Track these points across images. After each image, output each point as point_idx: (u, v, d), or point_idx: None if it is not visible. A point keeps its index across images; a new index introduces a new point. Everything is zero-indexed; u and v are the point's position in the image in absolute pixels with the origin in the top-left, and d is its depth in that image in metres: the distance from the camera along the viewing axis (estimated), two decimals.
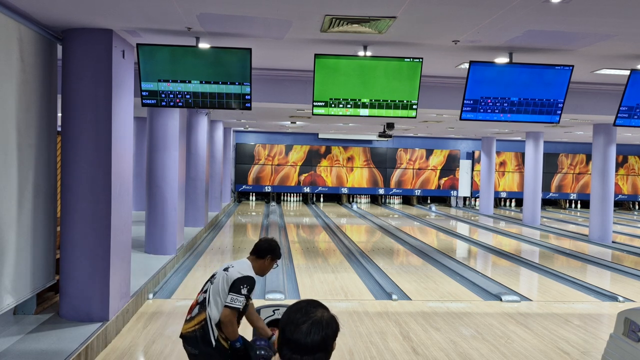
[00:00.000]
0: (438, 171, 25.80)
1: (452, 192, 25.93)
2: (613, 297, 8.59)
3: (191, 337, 3.69)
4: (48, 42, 5.83)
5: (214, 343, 3.63)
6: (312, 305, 1.88)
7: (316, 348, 1.78)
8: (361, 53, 6.84)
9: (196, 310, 3.76)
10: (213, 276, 3.83)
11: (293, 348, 1.78)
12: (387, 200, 26.08)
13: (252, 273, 3.73)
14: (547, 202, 26.55)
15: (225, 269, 3.75)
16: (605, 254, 12.85)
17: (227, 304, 3.60)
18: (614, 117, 7.70)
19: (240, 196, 25.42)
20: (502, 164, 26.03)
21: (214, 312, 3.69)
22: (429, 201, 26.72)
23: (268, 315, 3.99)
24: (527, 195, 18.99)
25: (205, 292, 3.78)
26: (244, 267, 3.75)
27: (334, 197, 25.81)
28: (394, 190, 25.58)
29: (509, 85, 7.09)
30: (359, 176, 25.32)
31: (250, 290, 3.65)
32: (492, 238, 15.61)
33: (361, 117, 7.27)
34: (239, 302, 3.59)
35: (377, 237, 14.98)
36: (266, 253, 3.83)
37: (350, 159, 25.20)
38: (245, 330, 6.24)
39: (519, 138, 23.44)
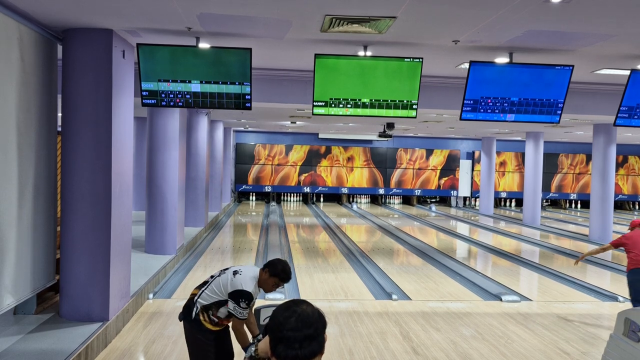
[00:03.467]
0: (438, 171, 25.79)
1: (452, 192, 25.92)
2: (613, 297, 8.59)
3: (185, 304, 4.13)
4: (48, 42, 5.83)
5: (193, 316, 4.01)
6: (295, 303, 1.92)
7: (309, 339, 1.79)
8: (361, 53, 6.84)
9: (199, 284, 4.18)
10: (225, 270, 4.10)
11: (287, 344, 1.80)
12: (387, 200, 26.07)
13: (251, 287, 3.91)
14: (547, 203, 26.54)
15: (235, 272, 4.00)
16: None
17: (232, 313, 3.91)
18: (614, 117, 7.70)
19: (240, 196, 25.41)
20: (502, 164, 26.02)
21: (205, 297, 4.02)
22: (429, 201, 26.70)
23: (268, 316, 3.98)
24: (527, 195, 18.99)
25: (213, 277, 4.11)
26: (247, 279, 3.94)
27: (334, 197, 25.80)
28: (394, 190, 25.58)
29: (509, 85, 7.09)
30: (359, 176, 25.31)
31: (248, 304, 3.89)
32: (492, 238, 15.61)
33: (361, 117, 7.27)
34: (242, 314, 3.89)
35: (377, 237, 14.98)
36: (275, 274, 3.93)
37: (350, 159, 25.19)
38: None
39: (519, 138, 23.44)
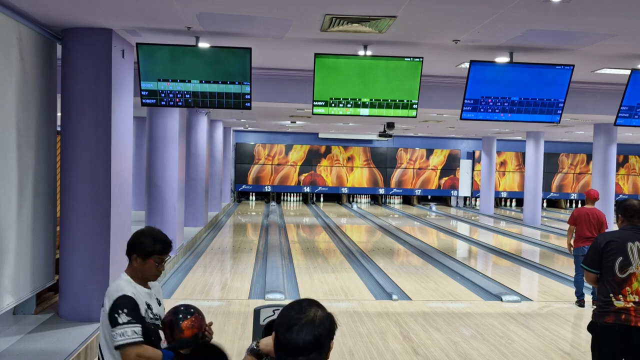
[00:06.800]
0: (438, 171, 25.78)
1: (452, 192, 25.91)
2: None
3: None
4: (48, 41, 5.82)
5: None
6: (306, 305, 1.84)
7: (309, 348, 1.74)
8: (361, 52, 6.82)
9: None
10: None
11: (286, 349, 1.75)
12: (388, 200, 26.06)
13: (124, 289, 2.81)
14: (548, 203, 26.52)
15: (103, 304, 2.90)
16: None
17: (116, 344, 2.72)
18: (615, 116, 7.69)
19: (240, 196, 25.40)
20: (503, 163, 26.01)
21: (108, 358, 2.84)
22: (429, 197, 26.61)
23: (268, 316, 3.97)
24: (528, 195, 18.97)
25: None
26: (113, 287, 2.86)
27: (334, 197, 25.78)
28: (394, 190, 25.56)
29: (510, 85, 7.08)
30: (359, 176, 25.30)
31: (130, 313, 2.74)
32: (492, 238, 15.60)
33: (361, 117, 7.26)
34: (126, 335, 2.70)
35: (377, 237, 14.97)
36: (130, 251, 2.92)
37: (350, 158, 25.18)
38: (246, 329, 6.24)
39: (519, 138, 23.42)
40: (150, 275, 2.92)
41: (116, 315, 2.72)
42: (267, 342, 2.19)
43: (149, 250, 2.86)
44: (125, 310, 2.74)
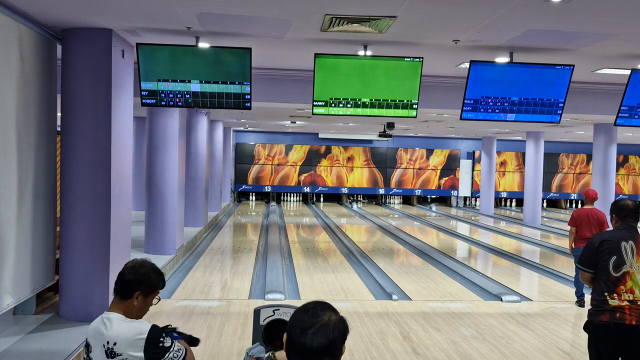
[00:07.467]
0: (438, 171, 25.77)
1: (452, 192, 25.91)
2: None
3: None
4: (48, 41, 5.82)
5: None
6: (320, 308, 1.83)
7: (323, 352, 1.75)
8: (361, 52, 6.82)
9: None
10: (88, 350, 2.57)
11: (300, 353, 1.75)
12: (388, 200, 26.06)
13: (141, 324, 2.54)
14: (548, 203, 26.52)
15: (110, 353, 2.47)
16: None
17: None
18: (615, 116, 7.69)
19: (240, 196, 25.39)
20: (503, 163, 26.00)
21: None
22: (429, 200, 26.65)
23: (268, 316, 3.96)
24: (528, 195, 18.97)
25: None
26: (125, 330, 2.50)
27: (334, 197, 25.78)
28: (394, 190, 25.56)
29: (510, 85, 7.08)
30: (359, 176, 25.30)
31: (169, 334, 2.59)
32: (492, 238, 15.59)
33: (361, 117, 7.26)
34: (181, 351, 2.54)
35: (377, 237, 14.97)
36: (134, 289, 2.60)
37: (350, 158, 25.17)
38: (246, 329, 6.24)
39: (519, 138, 23.42)
40: (145, 312, 2.65)
41: (160, 345, 2.47)
42: (283, 357, 2.18)
43: (155, 285, 2.63)
44: (163, 334, 2.51)
